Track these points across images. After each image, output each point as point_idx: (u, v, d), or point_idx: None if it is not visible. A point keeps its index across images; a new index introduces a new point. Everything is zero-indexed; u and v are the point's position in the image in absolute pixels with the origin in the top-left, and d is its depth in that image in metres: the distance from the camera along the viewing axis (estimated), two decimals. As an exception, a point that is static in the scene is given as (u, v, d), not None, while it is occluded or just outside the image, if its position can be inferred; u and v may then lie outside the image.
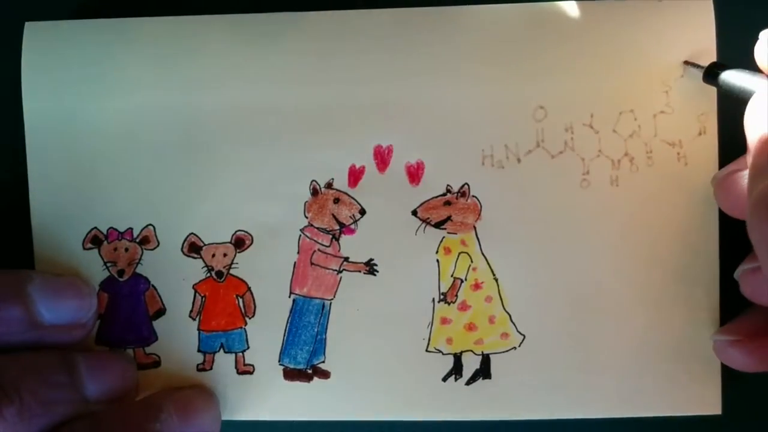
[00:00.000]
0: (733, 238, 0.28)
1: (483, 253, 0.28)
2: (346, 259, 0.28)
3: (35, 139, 0.28)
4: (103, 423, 0.25)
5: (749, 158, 0.22)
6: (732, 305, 0.28)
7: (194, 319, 0.29)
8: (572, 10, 0.28)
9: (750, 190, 0.21)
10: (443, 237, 0.28)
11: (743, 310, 0.27)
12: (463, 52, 0.28)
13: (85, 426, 0.24)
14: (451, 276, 0.28)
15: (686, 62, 0.27)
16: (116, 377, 0.26)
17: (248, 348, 0.28)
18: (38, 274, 0.27)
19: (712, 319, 0.28)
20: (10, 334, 0.25)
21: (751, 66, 0.28)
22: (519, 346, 0.28)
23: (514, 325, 0.28)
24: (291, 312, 0.28)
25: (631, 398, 0.28)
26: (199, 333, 0.29)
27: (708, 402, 0.28)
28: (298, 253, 0.28)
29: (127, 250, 0.28)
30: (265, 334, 0.28)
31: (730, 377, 0.28)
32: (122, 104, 0.28)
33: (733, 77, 0.25)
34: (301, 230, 0.28)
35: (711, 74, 0.26)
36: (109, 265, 0.29)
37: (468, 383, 0.28)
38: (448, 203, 0.28)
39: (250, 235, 0.28)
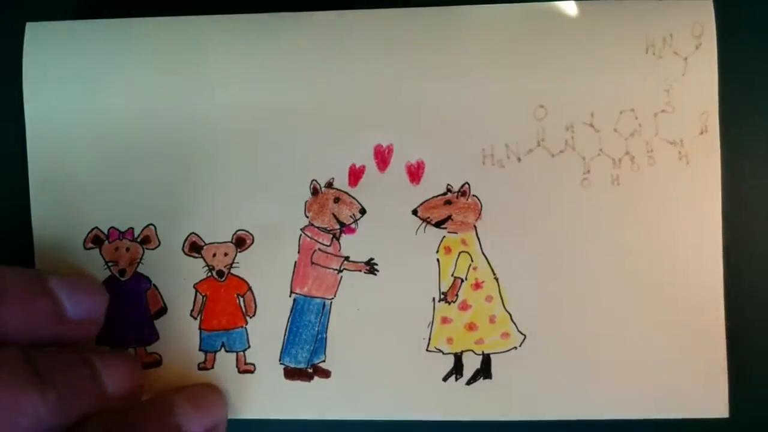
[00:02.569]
0: (735, 238, 0.27)
1: (483, 253, 0.28)
2: (347, 258, 0.28)
3: (36, 139, 0.28)
4: (129, 416, 0.25)
5: None
6: (737, 304, 0.27)
7: (195, 319, 0.29)
8: (572, 9, 0.27)
9: None
10: (443, 236, 0.28)
11: (749, 307, 0.27)
12: (464, 51, 0.28)
13: (115, 419, 0.24)
14: (452, 275, 0.28)
15: None
16: (126, 375, 0.26)
17: (249, 347, 0.29)
18: (51, 272, 0.27)
19: (717, 318, 0.27)
20: (40, 328, 0.25)
21: (752, 64, 0.28)
22: (520, 345, 0.28)
23: (515, 324, 0.28)
24: (291, 311, 0.28)
25: (634, 400, 0.28)
26: (200, 332, 0.29)
27: (715, 404, 0.27)
28: (299, 252, 0.28)
29: (128, 249, 0.29)
30: (266, 334, 0.28)
31: (737, 379, 0.27)
32: (123, 104, 0.28)
33: None
34: (301, 230, 0.28)
35: None
36: (110, 264, 0.29)
37: (468, 383, 0.28)
38: (448, 202, 0.28)
39: (251, 234, 0.28)
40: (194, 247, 0.29)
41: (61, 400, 0.23)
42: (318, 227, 0.28)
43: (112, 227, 0.29)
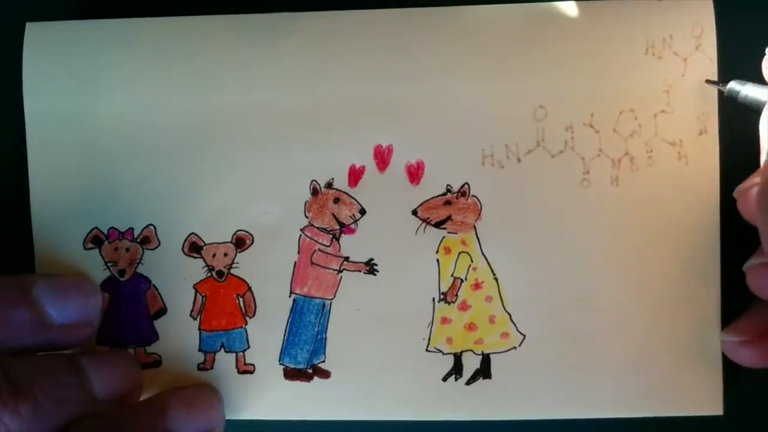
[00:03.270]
0: (734, 238, 0.27)
1: (483, 253, 0.28)
2: (347, 258, 0.28)
3: (36, 140, 0.28)
4: (115, 421, 0.25)
5: (762, 164, 0.23)
6: (734, 304, 0.28)
7: (195, 319, 0.29)
8: (572, 10, 0.28)
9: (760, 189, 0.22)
10: (443, 237, 0.28)
11: (746, 307, 0.27)
12: (463, 52, 0.28)
13: (97, 424, 0.24)
14: (451, 276, 0.28)
15: (707, 81, 0.27)
16: (121, 377, 0.26)
17: (249, 347, 0.29)
18: (41, 276, 0.27)
19: (713, 318, 0.28)
20: (21, 337, 0.25)
21: (751, 64, 0.28)
22: (519, 345, 0.28)
23: (514, 324, 0.28)
24: (291, 311, 0.28)
25: (631, 398, 0.28)
26: (199, 332, 0.29)
27: (710, 402, 0.28)
28: (299, 252, 0.28)
29: (127, 249, 0.29)
30: (266, 334, 0.28)
31: (732, 377, 0.28)
32: (123, 104, 0.28)
33: (750, 90, 0.26)
34: (301, 230, 0.28)
35: (730, 90, 0.26)
36: (110, 264, 0.29)
37: (468, 383, 0.28)
38: (448, 203, 0.28)
39: (251, 234, 0.28)
40: (194, 248, 0.29)
41: (38, 410, 0.23)
42: (318, 227, 0.28)
43: (112, 227, 0.29)
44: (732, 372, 0.28)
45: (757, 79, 0.26)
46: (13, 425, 0.23)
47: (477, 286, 0.28)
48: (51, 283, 0.26)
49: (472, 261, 0.28)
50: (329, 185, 0.28)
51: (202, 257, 0.29)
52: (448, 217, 0.28)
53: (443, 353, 0.28)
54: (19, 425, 0.23)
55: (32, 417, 0.23)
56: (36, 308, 0.25)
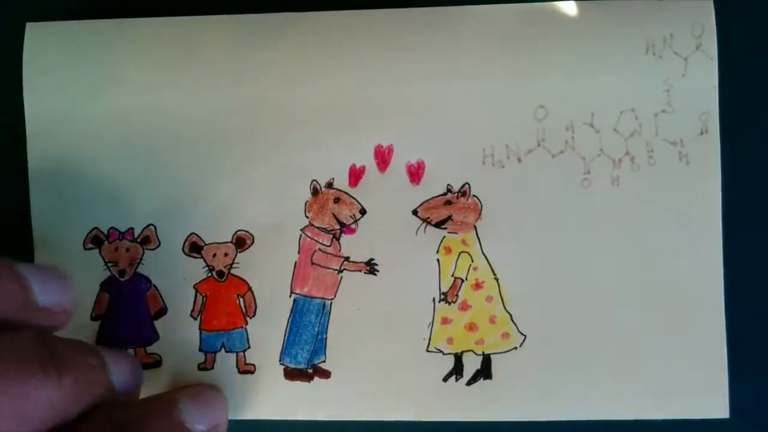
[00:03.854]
0: (735, 238, 0.27)
1: (483, 253, 0.28)
2: (347, 258, 0.28)
3: (36, 140, 0.28)
4: (134, 410, 0.24)
5: None
6: (737, 305, 0.27)
7: (195, 319, 0.29)
8: (572, 9, 0.27)
9: None
10: (444, 236, 0.28)
11: (748, 307, 0.27)
12: (464, 51, 0.28)
13: (119, 412, 0.24)
14: (452, 276, 0.28)
15: None
16: (130, 371, 0.26)
17: (249, 347, 0.29)
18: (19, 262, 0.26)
19: (717, 319, 0.27)
20: (12, 311, 0.24)
21: (752, 64, 0.28)
22: (520, 346, 0.28)
23: (515, 325, 0.28)
24: (292, 311, 0.28)
25: (634, 400, 0.28)
26: (200, 332, 0.29)
27: (715, 405, 0.27)
28: (299, 252, 0.28)
29: (128, 250, 0.29)
30: (266, 334, 0.28)
31: (737, 379, 0.27)
32: (123, 104, 0.28)
33: None
34: (301, 230, 0.28)
35: None
36: (110, 265, 0.29)
37: (469, 383, 0.28)
38: (448, 203, 0.28)
39: (251, 234, 0.28)
40: (194, 248, 0.29)
41: (76, 385, 0.23)
42: (318, 227, 0.28)
43: (112, 227, 0.29)
44: (738, 375, 0.27)
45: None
46: (58, 397, 0.22)
47: (477, 286, 0.28)
48: (29, 265, 0.25)
49: (472, 261, 0.28)
50: (329, 185, 0.28)
51: (202, 257, 0.29)
52: (449, 217, 0.28)
53: (444, 353, 0.28)
54: (60, 399, 0.22)
55: (71, 392, 0.22)
56: (23, 284, 0.24)
